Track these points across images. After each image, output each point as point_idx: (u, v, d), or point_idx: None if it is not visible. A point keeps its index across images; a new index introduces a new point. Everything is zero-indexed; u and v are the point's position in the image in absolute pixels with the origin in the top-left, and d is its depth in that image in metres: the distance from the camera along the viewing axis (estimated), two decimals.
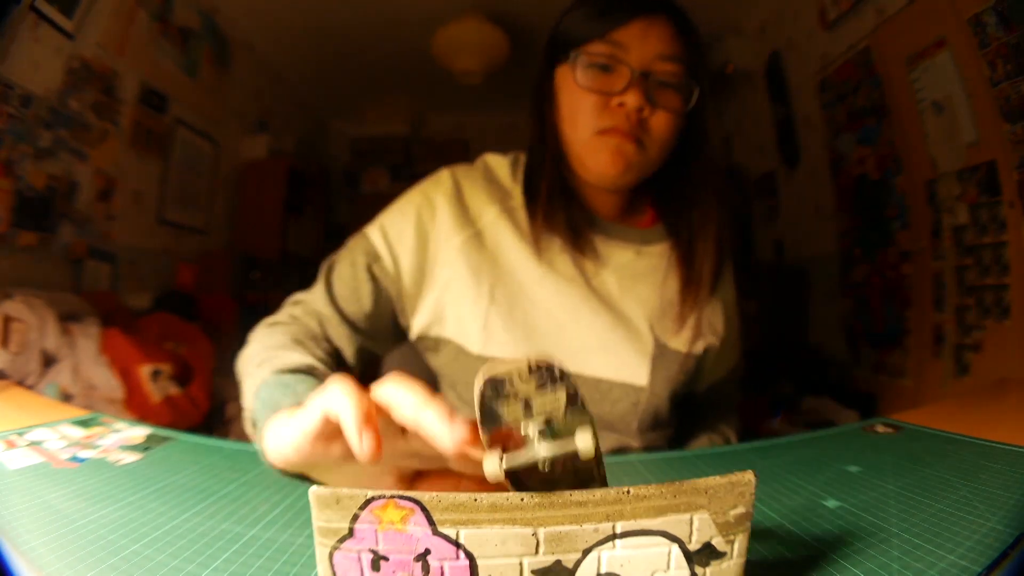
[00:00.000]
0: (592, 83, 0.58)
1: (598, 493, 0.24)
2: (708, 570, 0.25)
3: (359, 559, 0.24)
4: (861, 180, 1.76)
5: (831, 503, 0.39)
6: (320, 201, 3.16)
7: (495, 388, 0.24)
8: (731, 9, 2.24)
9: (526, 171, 0.67)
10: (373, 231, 0.64)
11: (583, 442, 0.24)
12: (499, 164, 0.70)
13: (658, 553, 0.24)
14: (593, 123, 0.58)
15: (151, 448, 0.50)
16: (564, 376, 0.24)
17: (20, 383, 1.21)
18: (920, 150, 1.50)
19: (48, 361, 1.35)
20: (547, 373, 0.24)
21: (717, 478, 0.24)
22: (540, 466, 0.24)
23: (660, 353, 0.63)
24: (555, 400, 0.24)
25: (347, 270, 0.63)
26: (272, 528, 0.35)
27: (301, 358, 0.50)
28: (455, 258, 0.62)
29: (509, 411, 0.24)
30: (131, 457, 0.47)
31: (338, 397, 0.28)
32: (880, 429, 0.57)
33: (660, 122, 0.58)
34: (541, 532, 0.24)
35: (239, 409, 0.49)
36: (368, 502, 0.24)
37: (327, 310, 0.61)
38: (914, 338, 1.56)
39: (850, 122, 1.78)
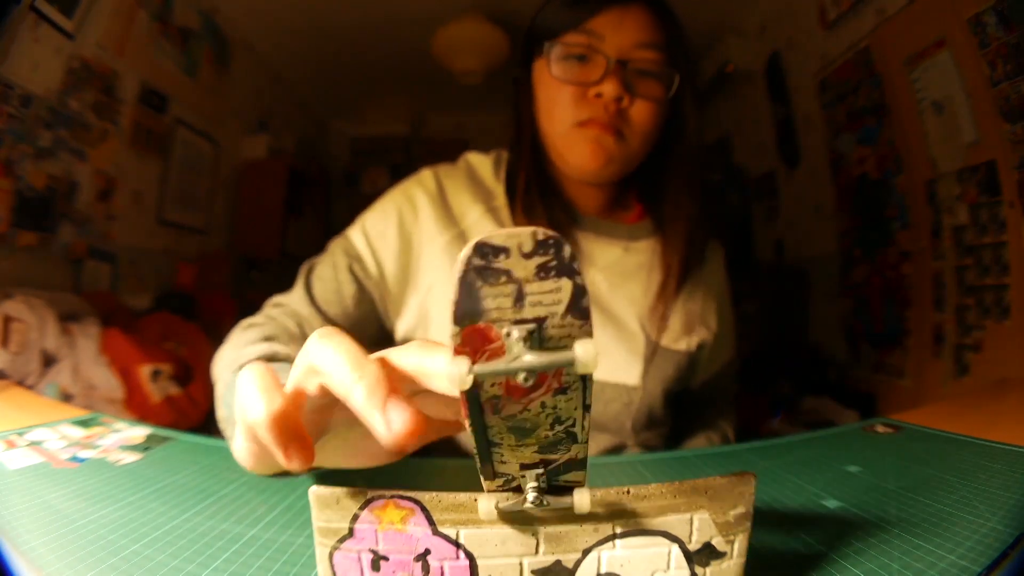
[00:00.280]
0: (568, 74, 0.57)
1: (598, 493, 0.24)
2: (708, 570, 0.25)
3: (359, 559, 0.24)
4: (861, 180, 1.76)
5: (831, 503, 0.39)
6: (320, 201, 3.15)
7: (484, 260, 0.18)
8: (731, 9, 2.24)
9: (507, 169, 0.66)
10: (355, 233, 0.63)
11: (584, 353, 0.18)
12: (481, 163, 0.69)
13: (658, 553, 0.24)
14: (571, 115, 0.57)
15: (151, 448, 0.50)
16: (573, 260, 0.18)
17: (20, 383, 1.21)
18: (920, 150, 1.50)
19: (48, 361, 1.35)
20: (554, 252, 0.18)
21: (717, 478, 0.24)
22: (521, 379, 0.19)
23: (652, 351, 0.62)
24: (556, 293, 0.18)
25: (328, 272, 0.61)
26: (272, 528, 0.35)
27: (264, 349, 0.47)
28: (439, 260, 0.61)
29: (495, 299, 0.18)
30: (131, 457, 0.47)
31: (337, 364, 0.23)
32: (880, 429, 0.57)
33: (640, 112, 0.57)
34: (541, 532, 0.24)
35: None
36: (368, 502, 0.24)
37: (306, 310, 0.60)
38: (914, 338, 1.56)
39: (850, 122, 1.78)
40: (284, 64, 2.71)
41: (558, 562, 0.24)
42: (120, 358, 1.44)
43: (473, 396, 0.20)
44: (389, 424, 0.21)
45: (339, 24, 2.32)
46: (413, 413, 0.21)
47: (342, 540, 0.24)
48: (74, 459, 0.46)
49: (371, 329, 0.64)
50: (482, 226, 0.63)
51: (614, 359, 0.61)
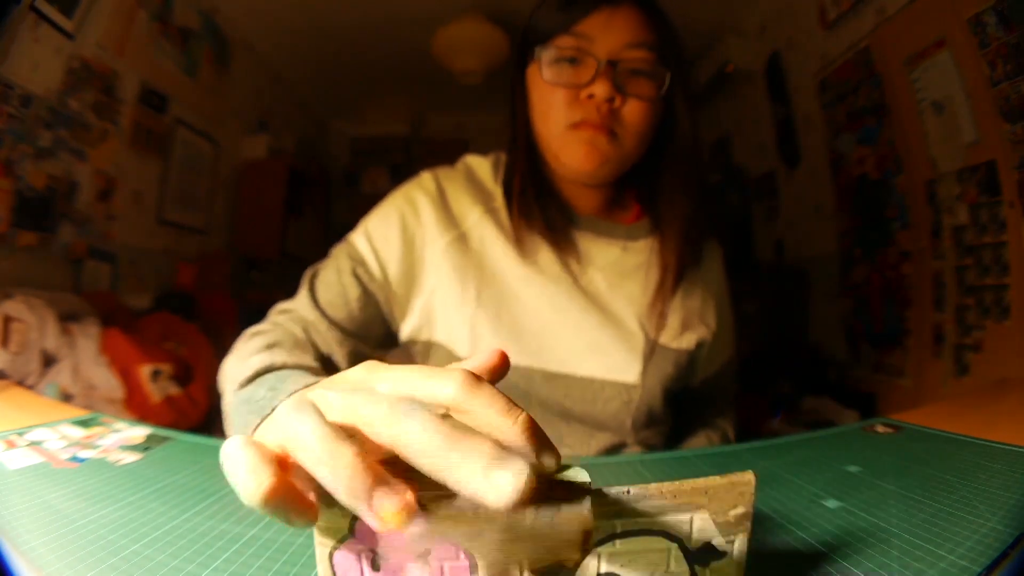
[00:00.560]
0: (560, 77, 0.57)
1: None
2: (708, 570, 0.25)
3: (359, 559, 0.24)
4: (861, 180, 1.76)
5: (831, 503, 0.39)
6: (320, 201, 3.16)
7: None
8: (731, 9, 2.24)
9: (505, 171, 0.67)
10: (357, 237, 0.64)
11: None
12: (480, 165, 0.69)
13: (658, 553, 0.24)
14: (564, 117, 0.58)
15: (151, 448, 0.50)
16: None
17: (20, 383, 1.21)
18: (920, 150, 1.50)
19: (48, 361, 1.35)
20: None
21: (717, 478, 0.24)
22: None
23: (651, 350, 0.62)
24: None
25: (332, 276, 0.62)
26: (272, 528, 0.35)
27: (264, 359, 0.47)
28: (440, 261, 0.62)
29: None
30: (131, 457, 0.47)
31: (310, 444, 0.21)
32: (880, 429, 0.57)
33: (633, 111, 0.57)
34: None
35: None
36: None
37: (312, 315, 0.60)
38: (914, 338, 1.56)
39: (850, 122, 1.78)
40: (284, 64, 2.71)
41: (558, 562, 0.24)
42: (120, 358, 1.44)
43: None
44: (379, 514, 0.20)
45: (339, 24, 2.32)
46: (401, 495, 0.20)
47: (342, 540, 0.24)
48: (74, 459, 0.46)
49: (376, 331, 0.64)
50: (482, 227, 0.64)
51: (613, 357, 0.62)
